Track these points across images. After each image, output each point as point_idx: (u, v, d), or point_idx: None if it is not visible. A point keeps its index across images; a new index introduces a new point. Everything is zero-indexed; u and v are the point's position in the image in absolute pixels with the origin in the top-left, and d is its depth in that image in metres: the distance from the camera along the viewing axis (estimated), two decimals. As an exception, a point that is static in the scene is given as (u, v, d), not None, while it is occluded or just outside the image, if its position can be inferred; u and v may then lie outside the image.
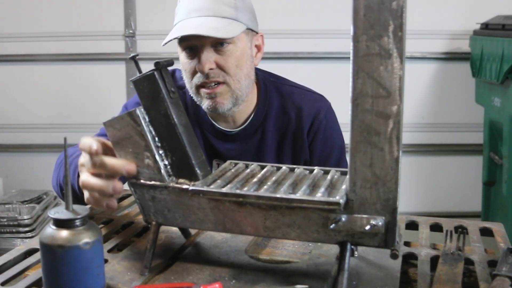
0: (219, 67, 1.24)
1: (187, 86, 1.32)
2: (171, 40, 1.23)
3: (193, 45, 1.24)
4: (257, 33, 1.34)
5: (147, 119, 0.87)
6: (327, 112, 1.40)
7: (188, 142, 0.88)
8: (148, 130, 0.86)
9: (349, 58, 0.70)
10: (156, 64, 0.88)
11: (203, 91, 1.27)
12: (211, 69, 1.23)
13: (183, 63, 1.29)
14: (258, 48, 1.36)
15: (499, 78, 2.21)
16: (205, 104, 1.28)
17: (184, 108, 1.37)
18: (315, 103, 1.40)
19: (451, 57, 2.75)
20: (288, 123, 1.39)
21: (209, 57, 1.23)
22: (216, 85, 1.26)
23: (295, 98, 1.40)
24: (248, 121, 1.38)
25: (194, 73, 1.26)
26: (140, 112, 0.86)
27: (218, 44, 1.23)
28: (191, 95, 1.32)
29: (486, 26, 2.41)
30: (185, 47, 1.26)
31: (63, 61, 2.82)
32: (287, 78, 1.49)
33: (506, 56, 2.16)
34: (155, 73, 0.86)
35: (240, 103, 1.30)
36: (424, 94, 2.80)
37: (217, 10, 1.23)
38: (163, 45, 1.24)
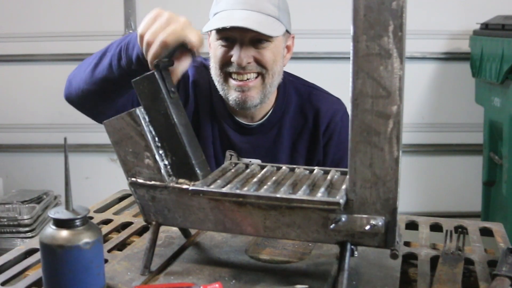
0: (256, 61, 1.25)
1: (214, 72, 1.31)
2: (216, 28, 1.22)
3: (232, 37, 1.24)
4: (289, 34, 1.36)
5: (147, 119, 0.87)
6: (343, 115, 1.42)
7: (188, 142, 0.88)
8: (148, 130, 0.86)
9: (349, 58, 0.70)
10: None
11: (234, 83, 1.27)
12: (248, 63, 1.24)
13: (216, 51, 1.28)
14: (288, 48, 1.37)
15: (499, 78, 2.20)
16: (233, 96, 1.28)
17: (208, 89, 1.37)
18: (332, 105, 1.42)
19: (451, 57, 2.74)
20: (304, 122, 1.40)
21: (248, 52, 1.24)
22: (249, 79, 1.26)
23: (313, 99, 1.42)
24: (266, 117, 1.39)
25: (227, 63, 1.26)
26: (140, 112, 0.86)
27: (257, 40, 1.24)
28: (216, 83, 1.32)
29: (486, 26, 2.41)
30: (222, 37, 1.25)
31: (63, 61, 2.82)
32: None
33: (506, 56, 2.16)
34: (155, 73, 0.86)
35: (266, 100, 1.32)
36: (424, 94, 2.80)
37: (262, 7, 1.23)
38: (204, 32, 1.23)
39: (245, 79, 1.26)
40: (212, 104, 1.38)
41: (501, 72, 2.18)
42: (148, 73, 0.87)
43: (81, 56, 2.76)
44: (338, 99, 1.45)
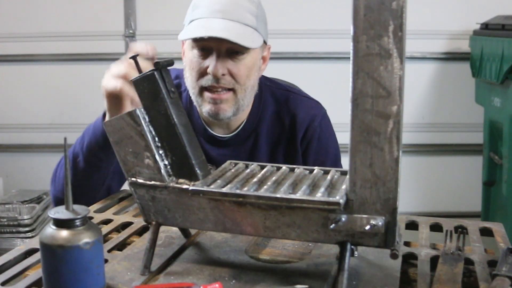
0: (231, 74, 1.23)
1: (189, 85, 1.29)
2: (193, 38, 1.20)
3: (209, 46, 1.21)
4: (266, 44, 1.33)
5: (147, 119, 0.87)
6: (321, 120, 1.38)
7: (188, 142, 0.88)
8: (148, 130, 0.86)
9: (349, 58, 0.70)
10: (156, 64, 0.88)
11: (207, 95, 1.25)
12: (223, 74, 1.22)
13: (191, 61, 1.25)
14: (264, 59, 1.35)
15: (499, 78, 2.21)
16: (206, 108, 1.26)
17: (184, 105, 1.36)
18: (310, 110, 1.38)
19: (451, 57, 2.75)
20: (281, 129, 1.37)
21: (224, 62, 1.21)
22: (222, 91, 1.24)
23: (290, 104, 1.38)
24: (241, 127, 1.36)
25: (202, 74, 1.24)
26: (140, 112, 0.86)
27: (234, 51, 1.21)
28: (191, 95, 1.30)
29: (486, 26, 2.41)
30: (198, 46, 1.23)
31: (63, 61, 2.82)
32: (287, 78, 1.48)
33: (506, 56, 2.16)
34: (155, 73, 0.86)
35: (240, 113, 1.29)
36: (424, 94, 2.80)
37: (241, 17, 1.21)
38: (183, 39, 1.22)
39: (219, 90, 1.24)
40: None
41: (501, 72, 2.18)
42: (148, 73, 0.87)
43: (81, 56, 2.81)
44: (317, 103, 1.42)
